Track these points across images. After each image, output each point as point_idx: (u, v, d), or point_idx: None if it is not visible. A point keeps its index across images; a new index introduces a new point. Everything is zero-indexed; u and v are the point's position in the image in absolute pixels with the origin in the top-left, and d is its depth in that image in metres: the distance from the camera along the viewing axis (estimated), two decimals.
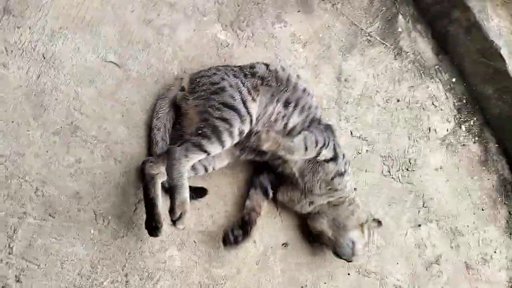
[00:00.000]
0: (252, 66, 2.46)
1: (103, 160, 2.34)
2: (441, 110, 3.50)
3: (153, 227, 2.12)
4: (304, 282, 2.75)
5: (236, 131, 2.16)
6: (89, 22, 2.44)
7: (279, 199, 2.68)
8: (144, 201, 2.21)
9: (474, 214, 3.46)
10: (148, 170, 2.22)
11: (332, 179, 2.48)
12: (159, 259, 2.38)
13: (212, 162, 2.43)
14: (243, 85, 2.32)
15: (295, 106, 2.46)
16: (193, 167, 2.30)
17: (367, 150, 3.18)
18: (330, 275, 2.84)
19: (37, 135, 2.23)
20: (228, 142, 2.15)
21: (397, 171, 3.26)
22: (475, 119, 3.57)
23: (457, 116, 3.53)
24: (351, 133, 3.15)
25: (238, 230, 2.39)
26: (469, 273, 3.31)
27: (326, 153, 2.40)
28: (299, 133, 2.39)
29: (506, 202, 3.56)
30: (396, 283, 3.03)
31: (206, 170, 2.44)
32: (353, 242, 2.60)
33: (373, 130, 3.22)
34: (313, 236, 2.75)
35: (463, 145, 3.57)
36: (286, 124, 2.46)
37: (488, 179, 3.56)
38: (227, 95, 2.24)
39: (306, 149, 2.27)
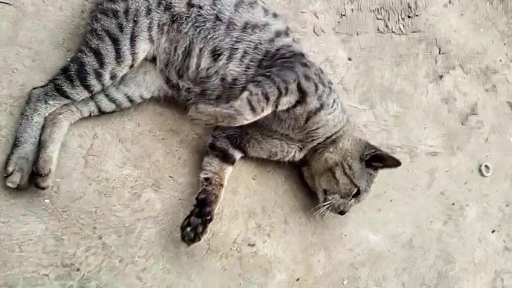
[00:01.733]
0: None
1: None
2: None
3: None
4: None
5: (106, 75, 1.82)
6: None
7: (255, 155, 2.13)
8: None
9: (504, 44, 2.83)
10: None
11: (307, 121, 1.93)
12: (134, 209, 2.00)
13: (135, 92, 2.00)
14: (147, 15, 1.86)
15: (230, 56, 1.91)
16: (112, 100, 1.96)
17: (352, 9, 2.57)
18: None
19: None
20: (96, 87, 1.83)
21: (396, 22, 2.65)
22: None
23: None
24: None
25: (196, 218, 1.89)
26: None
27: (287, 100, 1.83)
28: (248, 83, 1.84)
29: None
30: (429, 150, 2.53)
31: (131, 101, 2.01)
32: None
33: None
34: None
35: None
36: (223, 79, 1.91)
37: None
38: (116, 23, 1.82)
39: (253, 109, 1.73)
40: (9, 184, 1.77)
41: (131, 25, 1.84)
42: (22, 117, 1.83)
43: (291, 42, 2.01)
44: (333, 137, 2.04)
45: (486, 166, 2.61)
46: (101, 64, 1.80)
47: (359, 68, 2.52)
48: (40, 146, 1.81)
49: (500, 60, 2.78)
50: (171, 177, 2.08)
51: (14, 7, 1.98)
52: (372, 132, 2.46)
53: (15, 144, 1.81)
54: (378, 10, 2.61)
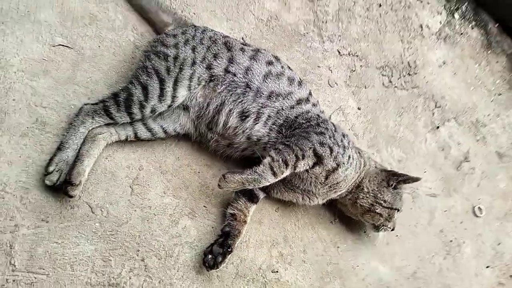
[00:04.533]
0: (215, 55, 2.17)
1: None
2: (428, 3, 3.22)
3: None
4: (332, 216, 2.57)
5: (148, 108, 2.07)
6: (24, 11, 2.22)
7: (277, 197, 2.40)
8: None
9: (492, 101, 3.22)
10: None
11: (326, 178, 2.19)
12: (173, 234, 2.21)
13: (170, 126, 2.25)
14: (191, 67, 2.12)
15: (257, 118, 2.17)
16: (149, 129, 2.22)
17: (361, 66, 2.94)
18: None
19: (4, 142, 2.05)
20: (137, 116, 2.08)
21: (398, 78, 3.01)
22: (466, 3, 3.27)
23: (447, 6, 3.25)
24: (339, 52, 2.90)
25: (218, 248, 2.14)
26: (502, 161, 3.08)
27: (305, 163, 2.09)
28: (270, 140, 2.18)
29: None
30: (428, 191, 2.83)
31: (166, 133, 2.25)
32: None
33: (361, 43, 2.97)
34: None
35: (461, 33, 3.30)
36: (249, 138, 2.20)
37: (497, 62, 3.30)
38: (165, 65, 2.09)
39: (275, 173, 2.00)
40: (47, 182, 1.98)
41: (176, 71, 2.10)
42: (70, 127, 2.07)
43: (310, 107, 2.27)
44: (354, 185, 2.31)
45: (479, 207, 2.91)
46: (146, 98, 2.06)
47: (367, 117, 2.85)
48: (77, 158, 2.02)
49: (489, 115, 3.16)
50: (205, 206, 2.31)
51: (74, 50, 2.27)
52: None
53: (59, 148, 2.03)
54: (383, 68, 2.98)
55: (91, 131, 2.09)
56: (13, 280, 1.92)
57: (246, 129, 2.18)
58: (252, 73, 2.18)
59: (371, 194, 2.31)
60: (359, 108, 2.85)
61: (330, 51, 2.86)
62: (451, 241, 2.78)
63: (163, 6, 2.38)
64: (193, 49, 2.15)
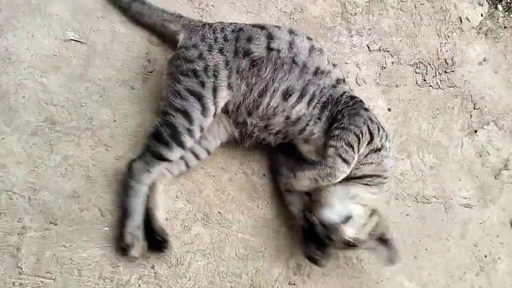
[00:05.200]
0: (249, 38, 2.00)
1: (92, 150, 2.06)
2: None
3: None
4: None
5: (197, 129, 1.91)
6: (35, 4, 2.13)
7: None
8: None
9: None
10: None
11: (366, 156, 2.03)
12: (185, 241, 2.10)
13: (213, 143, 2.14)
14: (226, 67, 1.96)
15: (301, 96, 2.01)
16: (196, 154, 2.11)
17: (392, 62, 2.72)
18: None
19: (14, 141, 1.99)
20: (189, 143, 1.92)
21: (433, 76, 2.78)
22: None
23: None
24: (368, 47, 2.69)
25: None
26: None
27: (365, 145, 2.00)
28: (310, 120, 2.02)
29: None
30: (463, 202, 2.61)
31: (208, 152, 2.14)
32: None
33: (393, 37, 2.75)
34: None
35: (505, 27, 3.02)
36: (288, 117, 2.03)
37: None
38: (197, 82, 1.93)
39: (345, 161, 1.89)
40: (135, 254, 1.92)
41: (212, 80, 1.94)
42: (128, 189, 1.94)
43: (348, 89, 2.15)
44: (380, 178, 2.08)
45: None
46: (190, 121, 1.90)
47: (398, 119, 2.65)
48: (150, 214, 1.97)
49: None
50: (219, 212, 2.19)
51: (86, 45, 2.17)
52: (408, 181, 2.55)
53: (126, 216, 1.93)
54: (416, 65, 2.76)
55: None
56: (20, 284, 1.87)
57: (287, 107, 2.01)
58: (297, 47, 2.02)
59: None
60: (389, 109, 2.65)
61: (358, 46, 2.66)
62: (485, 256, 2.57)
63: (165, 16, 2.17)
64: (221, 51, 1.97)
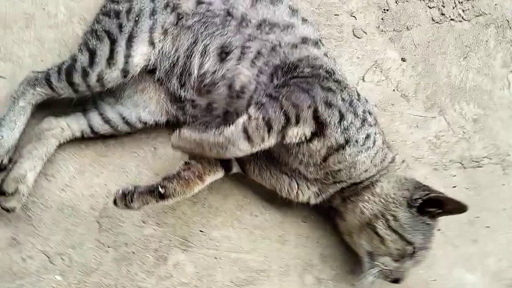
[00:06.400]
0: None
1: None
2: None
3: None
4: None
5: (93, 76, 1.62)
6: None
7: (253, 178, 1.72)
8: None
9: None
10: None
11: (325, 159, 1.50)
12: (161, 276, 1.65)
13: (132, 113, 1.74)
14: (151, 16, 1.65)
15: (241, 55, 1.59)
16: (106, 119, 1.73)
17: (396, 1, 2.17)
18: None
19: None
20: (80, 87, 1.64)
21: (453, 8, 2.22)
22: None
23: None
24: None
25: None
26: None
27: (298, 132, 1.44)
28: (256, 90, 1.55)
29: None
30: None
31: (128, 124, 1.74)
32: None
33: None
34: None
35: None
36: (230, 87, 1.58)
37: None
38: (117, 23, 1.65)
39: (249, 138, 1.38)
40: None
41: (131, 25, 1.64)
42: (10, 98, 1.67)
43: (320, 55, 1.62)
44: (366, 182, 1.56)
45: None
46: (91, 64, 1.62)
47: (417, 69, 2.08)
48: (14, 161, 1.62)
49: None
50: (201, 231, 1.73)
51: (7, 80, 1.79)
52: (447, 143, 1.97)
53: None
54: None
55: (37, 128, 1.69)
56: None
57: (227, 72, 1.58)
58: None
59: (382, 199, 1.54)
60: (403, 59, 2.09)
61: None
62: None
63: None
64: None
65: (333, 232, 1.78)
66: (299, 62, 1.55)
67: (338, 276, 1.74)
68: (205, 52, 1.61)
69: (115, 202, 1.48)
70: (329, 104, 1.43)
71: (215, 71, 1.59)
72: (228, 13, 1.64)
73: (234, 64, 1.58)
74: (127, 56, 1.62)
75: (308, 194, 1.63)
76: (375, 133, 1.52)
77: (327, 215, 1.77)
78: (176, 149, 1.44)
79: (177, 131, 1.43)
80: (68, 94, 1.66)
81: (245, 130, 1.37)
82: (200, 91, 1.63)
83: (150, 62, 1.66)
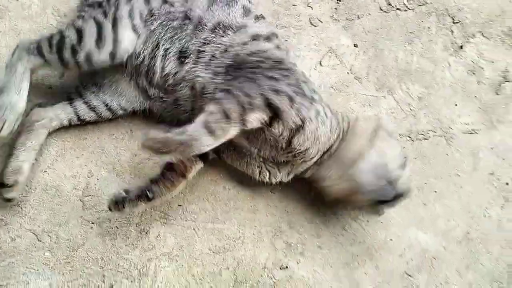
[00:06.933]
0: None
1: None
2: None
3: None
4: None
5: (82, 54, 1.67)
6: None
7: (229, 163, 1.87)
8: None
9: None
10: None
11: (290, 143, 1.64)
12: (144, 248, 1.77)
13: (114, 101, 1.85)
14: (127, 2, 1.74)
15: (197, 59, 1.70)
16: (91, 107, 1.83)
17: None
18: None
19: None
20: (69, 62, 1.70)
21: None
22: None
23: None
24: None
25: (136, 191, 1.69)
26: None
27: (256, 117, 1.54)
28: (215, 90, 1.64)
29: None
30: (465, 128, 2.23)
31: (111, 111, 1.85)
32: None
33: None
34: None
35: None
36: (192, 88, 1.70)
37: None
38: (101, 11, 1.74)
39: (212, 132, 1.45)
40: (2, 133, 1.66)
41: (113, 10, 1.71)
42: (6, 69, 1.72)
43: (271, 48, 1.75)
44: (331, 150, 1.72)
45: None
46: (79, 42, 1.68)
47: (368, 53, 2.28)
48: (11, 154, 1.70)
49: None
50: (180, 205, 1.85)
51: None
52: (397, 119, 2.18)
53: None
54: None
55: (26, 120, 1.74)
56: None
57: (187, 74, 1.70)
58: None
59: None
60: (355, 45, 2.29)
61: None
62: (507, 183, 2.17)
63: None
64: None
65: (299, 200, 1.96)
66: (248, 56, 1.68)
67: (305, 240, 1.91)
68: (165, 56, 1.72)
69: (109, 209, 1.62)
70: (276, 91, 1.56)
71: (176, 72, 1.70)
72: (186, 16, 1.73)
73: (192, 67, 1.69)
74: (115, 40, 1.69)
75: (280, 176, 1.79)
76: (323, 107, 1.68)
77: (293, 186, 1.96)
78: (145, 149, 1.45)
79: (144, 132, 1.48)
80: (58, 68, 1.76)
81: (207, 125, 1.44)
82: (166, 90, 1.74)
83: (133, 48, 1.74)
